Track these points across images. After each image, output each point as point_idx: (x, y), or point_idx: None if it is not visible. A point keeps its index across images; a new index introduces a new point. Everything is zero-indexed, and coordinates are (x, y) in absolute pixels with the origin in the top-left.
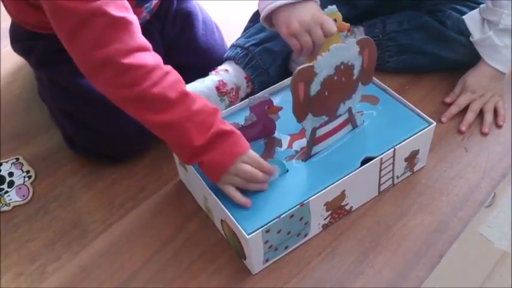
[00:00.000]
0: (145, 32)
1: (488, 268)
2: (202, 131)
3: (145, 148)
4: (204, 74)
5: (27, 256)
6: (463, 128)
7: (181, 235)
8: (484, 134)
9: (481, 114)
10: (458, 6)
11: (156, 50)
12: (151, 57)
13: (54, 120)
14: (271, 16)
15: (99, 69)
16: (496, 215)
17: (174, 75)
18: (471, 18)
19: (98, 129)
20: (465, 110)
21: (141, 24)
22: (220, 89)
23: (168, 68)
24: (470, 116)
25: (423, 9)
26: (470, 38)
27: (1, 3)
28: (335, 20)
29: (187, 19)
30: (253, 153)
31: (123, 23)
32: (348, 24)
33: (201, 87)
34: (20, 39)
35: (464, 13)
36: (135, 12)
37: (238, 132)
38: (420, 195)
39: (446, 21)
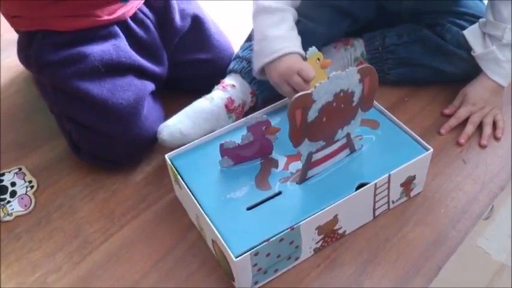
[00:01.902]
0: (138, 21)
1: (486, 280)
2: None
3: (149, 151)
4: (212, 69)
5: (29, 266)
6: (462, 140)
7: (181, 246)
8: (483, 147)
9: (479, 126)
10: (457, 20)
11: (151, 41)
12: None
13: (60, 127)
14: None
15: None
16: (494, 227)
17: None
18: (472, 33)
19: (100, 131)
20: (463, 122)
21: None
22: (229, 107)
23: None
24: (469, 128)
25: (422, 22)
26: (472, 53)
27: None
28: (318, 59)
29: (197, 19)
30: None
31: None
32: (329, 60)
33: (211, 106)
34: (22, 49)
35: (463, 27)
36: None
37: None
38: (419, 207)
39: (445, 35)
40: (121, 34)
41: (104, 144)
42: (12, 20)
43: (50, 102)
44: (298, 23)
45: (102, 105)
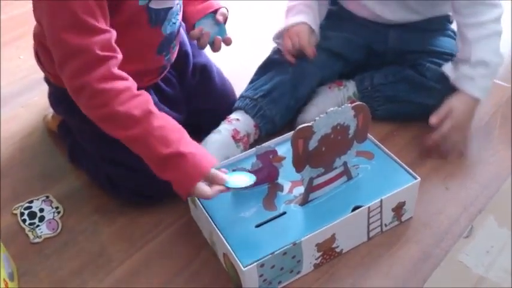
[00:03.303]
0: (166, 80)
1: None
2: (162, 145)
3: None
4: (218, 116)
5: (57, 283)
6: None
7: (194, 263)
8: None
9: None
10: (435, 60)
11: (175, 94)
12: (123, 83)
13: (95, 175)
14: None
15: (78, 94)
16: (473, 244)
17: (143, 97)
18: (448, 66)
19: (141, 171)
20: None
21: (161, 70)
22: (235, 137)
23: (140, 92)
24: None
25: (405, 63)
26: (450, 80)
27: None
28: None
29: (204, 72)
30: (214, 173)
31: (103, 59)
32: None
33: (219, 138)
34: (63, 101)
35: (441, 65)
36: (155, 59)
37: (201, 151)
38: (407, 228)
39: (426, 73)
40: (152, 93)
41: (144, 182)
42: (55, 78)
43: (86, 145)
44: (295, 64)
45: None
